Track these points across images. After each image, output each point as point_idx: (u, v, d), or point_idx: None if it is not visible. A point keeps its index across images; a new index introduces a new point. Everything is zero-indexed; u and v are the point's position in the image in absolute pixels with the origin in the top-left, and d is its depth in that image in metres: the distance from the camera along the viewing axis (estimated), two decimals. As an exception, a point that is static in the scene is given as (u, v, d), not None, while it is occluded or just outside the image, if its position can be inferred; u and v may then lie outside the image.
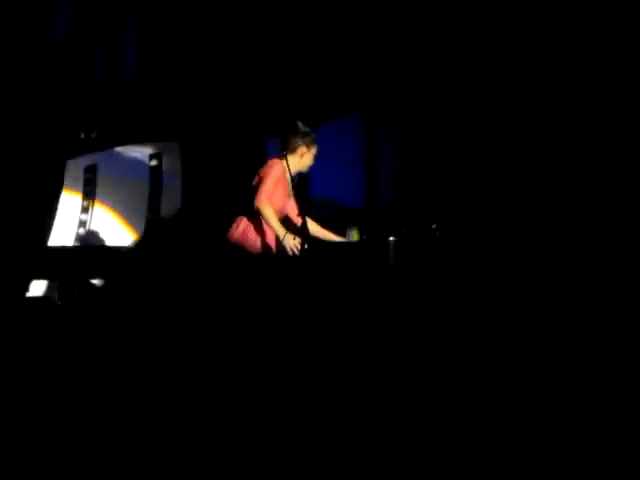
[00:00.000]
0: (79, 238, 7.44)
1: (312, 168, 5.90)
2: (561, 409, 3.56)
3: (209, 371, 3.41)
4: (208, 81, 7.56)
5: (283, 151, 5.69)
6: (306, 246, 5.39)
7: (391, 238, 5.21)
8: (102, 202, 7.55)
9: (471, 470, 3.21)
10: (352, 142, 7.70)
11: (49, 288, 6.69)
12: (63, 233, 7.24)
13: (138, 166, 7.73)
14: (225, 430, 3.23)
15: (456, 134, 7.13)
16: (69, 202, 7.31)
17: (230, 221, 5.89)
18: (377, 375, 3.74)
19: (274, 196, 5.59)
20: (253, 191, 5.61)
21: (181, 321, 3.58)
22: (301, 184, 5.98)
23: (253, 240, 5.72)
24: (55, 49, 7.29)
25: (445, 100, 7.21)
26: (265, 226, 5.64)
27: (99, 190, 7.49)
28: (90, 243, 7.41)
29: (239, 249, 5.73)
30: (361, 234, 5.73)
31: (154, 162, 7.78)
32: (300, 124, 5.72)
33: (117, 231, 7.54)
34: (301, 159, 5.73)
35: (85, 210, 7.46)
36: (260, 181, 5.59)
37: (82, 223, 7.45)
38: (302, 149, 5.71)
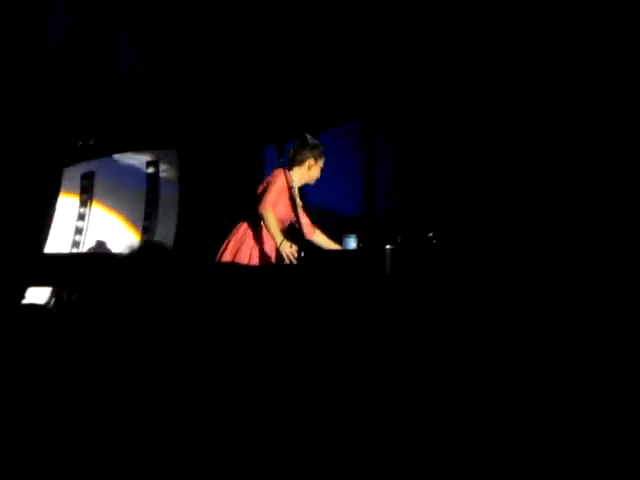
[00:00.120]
0: (75, 245, 7.43)
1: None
2: (559, 415, 3.55)
3: (204, 379, 3.40)
4: (206, 89, 7.57)
5: (291, 162, 5.78)
6: (302, 254, 5.42)
7: (388, 246, 5.22)
8: (99, 209, 7.54)
9: (470, 471, 3.21)
10: (350, 150, 7.71)
11: (45, 295, 6.68)
12: (59, 240, 7.23)
13: (135, 173, 7.72)
14: (219, 438, 3.22)
15: (453, 142, 7.14)
16: (66, 209, 7.30)
17: (227, 228, 5.92)
18: (374, 383, 3.74)
19: (277, 205, 5.64)
20: (258, 198, 5.68)
21: (176, 330, 3.57)
22: (298, 192, 6.00)
23: (251, 245, 5.76)
24: (52, 56, 7.29)
25: (442, 108, 7.22)
26: (265, 233, 5.68)
27: (96, 197, 7.49)
28: (86, 250, 7.40)
29: (236, 253, 5.76)
30: (358, 242, 5.74)
31: (151, 169, 7.78)
32: (309, 137, 5.79)
33: (114, 238, 7.53)
34: (308, 171, 5.82)
35: (82, 217, 7.45)
36: (265, 189, 5.66)
37: (79, 230, 7.45)
38: (310, 161, 5.80)
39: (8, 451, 3.03)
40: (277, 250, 5.60)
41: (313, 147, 5.81)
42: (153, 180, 7.78)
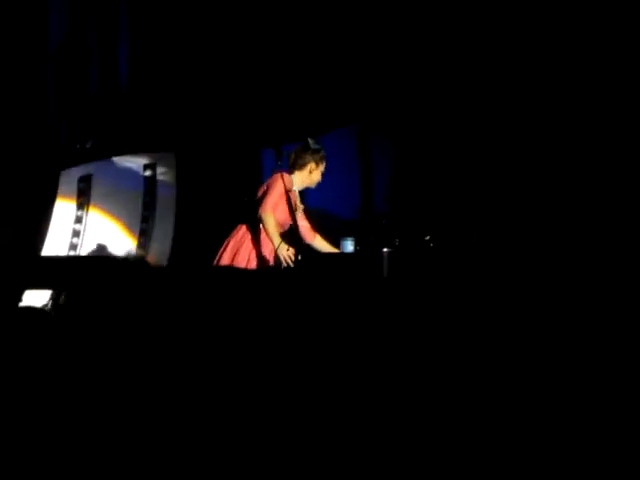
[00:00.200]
0: (73, 248, 7.42)
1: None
2: (558, 419, 3.56)
3: (202, 380, 3.40)
4: (203, 91, 7.57)
5: (292, 166, 5.81)
6: (299, 257, 5.43)
7: (385, 249, 5.22)
8: (96, 212, 7.54)
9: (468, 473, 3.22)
10: (347, 153, 7.72)
11: (43, 298, 6.67)
12: (57, 243, 7.23)
13: (133, 176, 7.72)
14: (216, 440, 3.22)
15: (450, 146, 7.15)
16: (63, 212, 7.29)
17: (224, 230, 5.94)
18: (371, 386, 3.74)
19: (277, 208, 5.65)
20: (258, 201, 5.69)
21: (174, 332, 3.57)
22: (299, 196, 6.02)
23: (250, 248, 5.78)
24: (49, 58, 7.28)
25: (439, 111, 7.23)
26: (263, 236, 5.71)
27: (93, 200, 7.48)
28: (84, 253, 7.39)
29: (234, 256, 5.77)
30: (355, 245, 5.75)
31: (149, 172, 7.78)
32: (311, 141, 5.82)
33: (111, 241, 7.53)
34: (310, 175, 5.85)
35: (79, 220, 7.45)
36: (266, 192, 5.67)
37: (76, 233, 7.44)
38: (311, 165, 5.83)
39: (8, 451, 3.03)
40: (276, 253, 5.62)
41: (314, 151, 5.84)
42: (150, 183, 7.77)
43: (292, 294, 4.47)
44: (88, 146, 7.41)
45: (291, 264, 5.48)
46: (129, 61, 7.66)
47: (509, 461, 3.28)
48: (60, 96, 7.38)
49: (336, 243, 5.87)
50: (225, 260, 5.76)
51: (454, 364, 4.05)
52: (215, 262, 5.81)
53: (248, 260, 5.77)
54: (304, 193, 6.04)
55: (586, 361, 4.03)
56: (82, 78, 7.53)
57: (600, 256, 5.74)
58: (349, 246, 5.72)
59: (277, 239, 5.57)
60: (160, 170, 7.78)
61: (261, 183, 6.02)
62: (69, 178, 7.34)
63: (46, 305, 6.56)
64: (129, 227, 7.69)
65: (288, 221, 5.71)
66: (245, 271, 5.53)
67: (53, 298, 6.56)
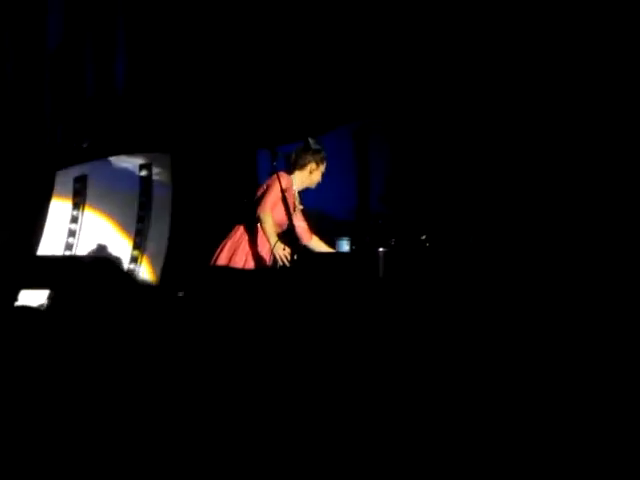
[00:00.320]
0: (68, 248, 7.42)
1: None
2: (557, 420, 3.56)
3: (198, 381, 3.40)
4: (199, 92, 7.57)
5: (292, 166, 5.81)
6: (295, 257, 5.44)
7: (381, 249, 5.23)
8: (92, 212, 7.53)
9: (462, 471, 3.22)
10: (343, 153, 7.72)
11: (39, 297, 6.66)
12: (52, 243, 7.22)
13: (128, 176, 7.71)
14: (213, 441, 3.22)
15: (446, 146, 7.16)
16: (59, 211, 7.29)
17: (220, 231, 5.94)
18: (368, 384, 3.74)
19: (275, 208, 5.66)
20: (257, 201, 5.70)
21: (170, 333, 3.57)
22: (298, 196, 6.03)
23: (247, 249, 5.78)
24: (46, 60, 7.29)
25: (435, 112, 7.24)
26: (261, 237, 5.71)
27: (89, 200, 7.48)
28: (79, 253, 7.38)
29: (232, 256, 5.78)
30: (351, 245, 5.76)
31: (144, 172, 7.78)
32: (312, 141, 5.82)
33: (107, 241, 7.52)
34: (310, 175, 5.85)
35: (74, 220, 7.44)
36: (265, 192, 5.68)
37: (72, 233, 7.43)
38: (312, 166, 5.83)
39: (7, 451, 3.03)
40: (273, 254, 5.63)
41: (315, 152, 5.84)
42: (146, 183, 7.77)
43: (288, 294, 4.47)
44: (84, 146, 7.41)
45: (287, 263, 5.48)
46: (125, 62, 7.66)
47: (509, 461, 3.28)
48: (57, 98, 7.38)
49: (332, 243, 5.88)
50: (222, 260, 5.76)
51: (450, 364, 4.05)
52: (212, 262, 5.81)
53: (245, 261, 5.78)
54: (301, 193, 6.04)
55: (586, 361, 4.04)
56: (79, 80, 7.53)
57: (599, 256, 5.75)
58: (345, 246, 5.73)
59: (274, 238, 5.58)
60: (156, 170, 7.78)
61: (256, 184, 6.02)
62: (65, 178, 7.34)
63: (42, 305, 6.55)
64: (125, 227, 7.68)
65: (286, 221, 5.72)
66: (242, 271, 5.53)
67: (49, 298, 6.55)
